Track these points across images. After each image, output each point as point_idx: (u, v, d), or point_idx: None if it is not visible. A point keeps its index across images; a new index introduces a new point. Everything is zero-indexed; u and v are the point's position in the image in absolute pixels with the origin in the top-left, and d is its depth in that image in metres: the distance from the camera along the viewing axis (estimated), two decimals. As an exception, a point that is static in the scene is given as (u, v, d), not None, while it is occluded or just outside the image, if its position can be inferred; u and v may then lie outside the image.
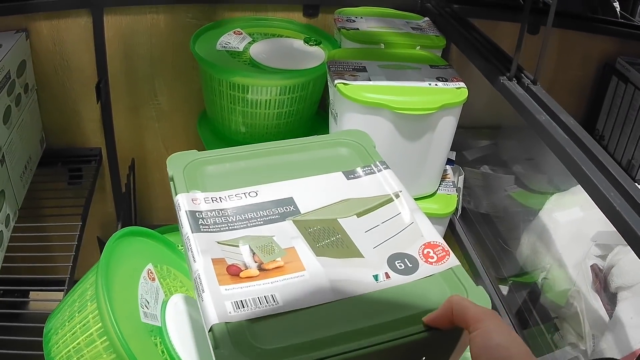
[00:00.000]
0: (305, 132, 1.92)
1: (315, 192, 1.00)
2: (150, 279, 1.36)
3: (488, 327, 0.70)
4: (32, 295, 2.23)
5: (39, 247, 1.90)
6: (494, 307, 1.71)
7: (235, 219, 0.93)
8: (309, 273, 0.84)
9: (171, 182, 1.01)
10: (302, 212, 0.95)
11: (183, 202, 0.96)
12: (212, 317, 0.76)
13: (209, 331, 0.75)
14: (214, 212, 0.94)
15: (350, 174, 1.06)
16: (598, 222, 1.53)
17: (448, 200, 1.74)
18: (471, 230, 1.96)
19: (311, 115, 1.97)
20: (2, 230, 1.72)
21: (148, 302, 1.31)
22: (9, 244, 1.81)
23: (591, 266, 1.57)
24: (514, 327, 1.65)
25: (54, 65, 2.15)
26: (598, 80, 2.41)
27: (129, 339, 1.19)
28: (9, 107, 1.83)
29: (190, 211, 0.93)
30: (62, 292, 1.72)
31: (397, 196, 1.00)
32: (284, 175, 1.04)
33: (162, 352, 1.29)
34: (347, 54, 1.70)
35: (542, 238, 1.72)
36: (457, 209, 1.87)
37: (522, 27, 1.51)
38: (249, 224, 0.92)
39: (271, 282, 0.82)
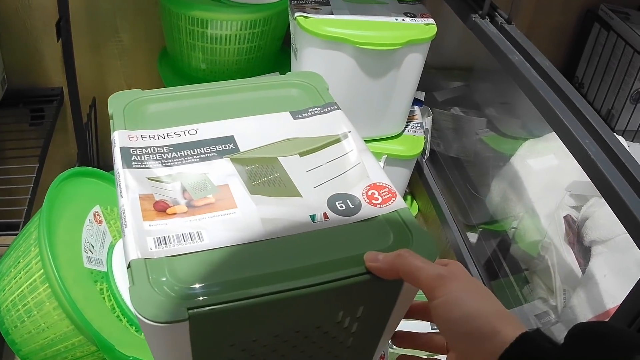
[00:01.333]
0: (268, 69, 1.87)
1: (258, 131, 0.95)
2: (97, 221, 1.31)
3: (448, 295, 0.65)
4: (-9, 236, 2.19)
5: (-2, 190, 1.85)
6: (460, 256, 1.67)
7: (171, 156, 0.88)
8: (240, 211, 0.79)
9: (111, 121, 0.96)
10: (241, 150, 0.90)
11: (118, 138, 0.90)
12: (132, 252, 0.72)
13: (127, 267, 0.71)
14: (149, 149, 0.89)
15: (297, 114, 0.99)
16: (573, 171, 1.47)
17: (414, 142, 1.68)
18: (440, 174, 1.91)
19: (274, 52, 1.91)
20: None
21: (93, 246, 1.25)
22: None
23: (564, 217, 1.52)
24: (481, 278, 1.60)
25: (16, 6, 2.09)
26: (579, 27, 2.37)
27: (70, 285, 1.14)
28: (-34, 47, 1.75)
29: (124, 147, 0.88)
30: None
31: (346, 137, 0.94)
32: (227, 114, 0.98)
33: (109, 298, 1.23)
34: None
35: (513, 185, 1.67)
36: (424, 150, 1.82)
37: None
38: (184, 162, 0.87)
39: (198, 219, 0.77)
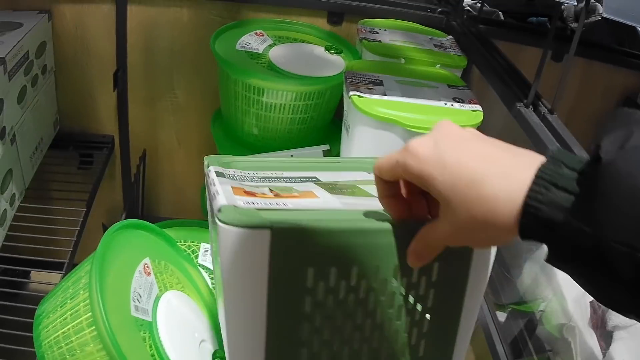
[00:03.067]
0: (318, 139, 1.91)
1: (339, 176, 1.02)
2: (145, 272, 1.36)
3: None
4: (33, 276, 2.23)
5: (42, 229, 1.89)
6: (488, 333, 1.70)
7: (260, 180, 0.95)
8: (322, 199, 0.87)
9: (206, 169, 1.03)
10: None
11: (214, 167, 0.97)
12: (222, 202, 0.77)
13: (218, 211, 0.75)
14: (241, 173, 0.97)
15: None
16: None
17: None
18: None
19: (325, 123, 1.96)
20: (6, 209, 1.73)
21: (140, 296, 1.31)
22: (13, 222, 1.82)
23: (590, 302, 1.55)
24: (506, 356, 1.63)
25: (74, 49, 2.15)
26: (618, 113, 2.39)
27: (116, 330, 1.19)
28: (24, 87, 1.83)
29: (218, 171, 0.95)
30: (60, 276, 1.72)
31: None
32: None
33: (150, 347, 1.28)
34: (366, 66, 1.69)
35: (544, 269, 1.70)
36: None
37: (544, 54, 1.49)
38: (271, 182, 0.95)
39: (284, 200, 0.84)
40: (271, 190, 0.88)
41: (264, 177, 0.97)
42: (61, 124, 2.26)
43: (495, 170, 0.62)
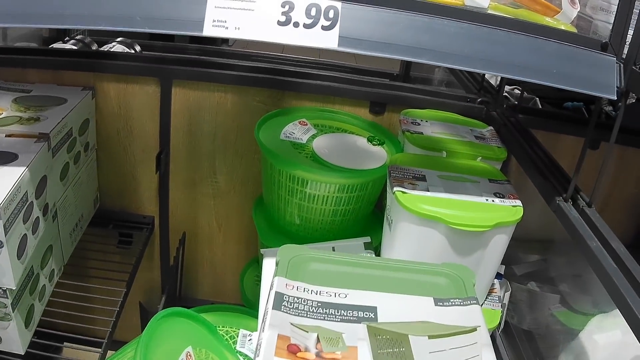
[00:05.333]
0: (360, 230, 1.92)
1: (400, 308, 1.06)
2: (188, 362, 1.38)
3: None
4: (66, 352, 2.24)
5: (80, 306, 1.91)
6: None
7: (316, 310, 1.00)
8: None
9: (275, 267, 1.06)
10: (379, 320, 0.99)
11: (277, 284, 1.03)
12: None
13: None
14: (300, 299, 1.01)
15: (439, 302, 1.11)
16: (636, 346, 1.52)
17: (492, 316, 1.73)
18: (511, 345, 1.95)
19: (367, 214, 1.96)
20: (45, 284, 1.74)
21: (183, 384, 1.32)
22: (51, 298, 1.83)
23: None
24: None
25: (117, 128, 2.19)
26: (654, 199, 2.40)
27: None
28: (67, 164, 1.86)
29: (279, 292, 1.01)
30: (98, 355, 1.73)
31: (475, 330, 1.02)
32: (378, 287, 1.10)
33: None
34: (409, 160, 1.71)
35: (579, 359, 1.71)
36: (500, 324, 1.86)
37: (583, 149, 1.51)
38: (326, 318, 0.99)
39: None
40: (318, 341, 0.91)
41: (322, 304, 0.99)
42: (101, 202, 2.29)
43: None
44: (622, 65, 1.33)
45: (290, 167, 1.77)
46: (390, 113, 2.19)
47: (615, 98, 1.31)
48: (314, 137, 1.97)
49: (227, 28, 1.15)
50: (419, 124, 1.98)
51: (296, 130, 1.97)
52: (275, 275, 1.06)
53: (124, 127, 2.18)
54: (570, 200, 1.56)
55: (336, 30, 1.17)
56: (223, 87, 2.14)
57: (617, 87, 1.31)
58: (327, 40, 1.16)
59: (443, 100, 2.17)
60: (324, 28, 1.16)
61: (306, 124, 2.01)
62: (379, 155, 1.94)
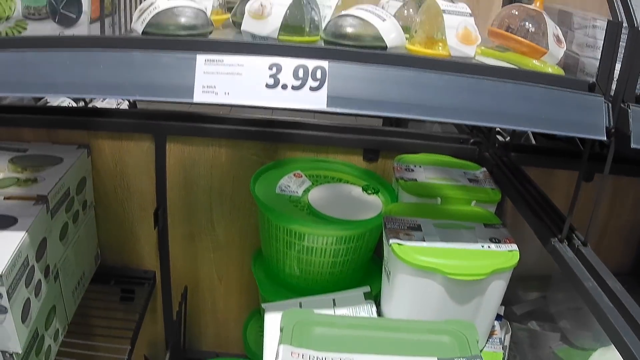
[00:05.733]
0: (360, 278, 1.93)
1: None
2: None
3: None
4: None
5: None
6: None
7: None
8: None
9: (280, 333, 1.07)
10: None
11: (283, 352, 1.06)
12: None
13: None
14: None
15: None
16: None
17: (494, 359, 1.73)
18: (515, 387, 1.94)
19: (366, 261, 1.97)
20: (50, 345, 1.74)
21: None
22: (57, 357, 1.83)
23: None
24: None
25: (114, 185, 2.20)
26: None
27: None
28: (66, 223, 1.87)
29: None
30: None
31: None
32: (383, 349, 1.11)
33: None
34: (403, 210, 1.71)
35: None
36: (501, 365, 1.86)
37: (577, 187, 1.51)
38: None
39: None
40: None
41: None
42: (102, 258, 2.28)
43: None
44: (609, 104, 1.33)
45: (287, 222, 1.78)
46: (384, 159, 2.20)
47: (605, 138, 1.31)
48: (309, 188, 1.98)
49: (216, 94, 1.16)
50: (413, 170, 1.98)
51: (291, 183, 1.97)
52: (280, 342, 1.06)
53: (121, 184, 2.19)
54: (565, 240, 1.56)
55: (324, 90, 1.18)
56: (217, 141, 2.15)
57: (605, 126, 1.32)
58: (316, 101, 1.18)
59: (435, 143, 2.17)
60: (312, 89, 1.18)
61: (301, 176, 2.02)
62: (374, 204, 1.95)
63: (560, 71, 1.46)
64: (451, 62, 1.28)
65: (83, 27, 1.40)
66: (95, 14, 1.46)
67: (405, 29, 1.53)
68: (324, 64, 1.18)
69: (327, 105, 1.18)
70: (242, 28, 1.37)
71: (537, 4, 1.58)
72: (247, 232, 2.29)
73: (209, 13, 1.44)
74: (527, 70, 1.37)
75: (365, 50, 1.25)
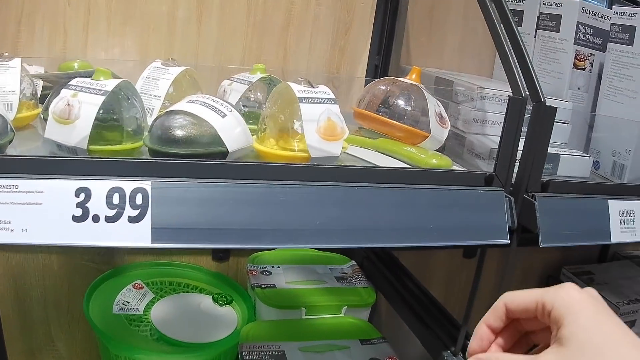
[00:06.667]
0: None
1: None
2: None
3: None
4: None
5: None
6: None
7: None
8: None
9: None
10: None
11: None
12: None
13: None
14: None
15: None
16: None
17: None
18: None
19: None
20: None
21: None
22: None
23: None
24: None
25: None
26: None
27: None
28: None
29: None
30: None
31: None
32: None
33: None
34: (262, 332, 1.52)
35: None
36: None
37: (474, 283, 1.29)
38: None
39: None
40: None
41: None
42: None
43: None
44: (511, 198, 1.14)
45: (129, 352, 1.53)
46: (236, 257, 2.01)
47: (508, 242, 1.11)
48: (152, 303, 1.73)
49: (12, 231, 0.89)
50: (270, 273, 1.78)
51: (131, 298, 1.73)
52: None
53: None
54: (460, 353, 1.34)
55: (147, 220, 0.92)
56: (46, 248, 1.92)
57: (508, 226, 1.13)
58: (136, 235, 0.92)
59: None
60: (131, 219, 0.92)
61: (142, 287, 1.78)
62: (228, 318, 1.70)
63: (446, 161, 1.22)
64: (311, 168, 1.01)
65: None
66: None
67: (253, 117, 1.32)
68: (146, 185, 0.92)
69: (152, 241, 0.92)
70: (45, 135, 1.08)
71: (413, 76, 1.35)
72: (91, 348, 2.07)
73: (14, 108, 1.18)
74: (407, 170, 1.14)
75: (199, 162, 0.97)
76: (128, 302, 1.70)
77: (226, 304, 1.74)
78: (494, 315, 0.75)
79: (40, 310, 2.00)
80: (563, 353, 0.65)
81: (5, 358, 1.95)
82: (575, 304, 0.66)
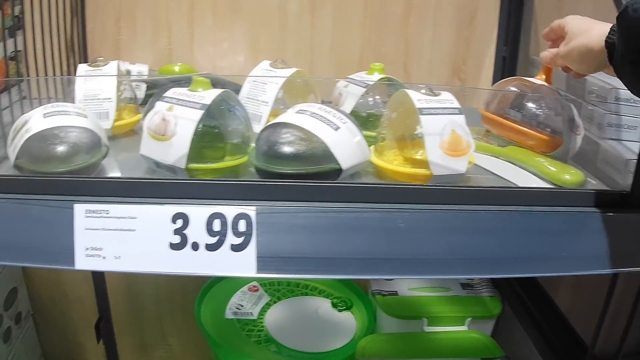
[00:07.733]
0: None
1: None
2: None
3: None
4: None
5: None
6: None
7: None
8: None
9: None
10: None
11: None
12: None
13: None
14: None
15: None
16: None
17: None
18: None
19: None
20: None
21: None
22: None
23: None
24: None
25: (51, 294, 2.00)
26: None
27: None
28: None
29: None
30: None
31: None
32: None
33: None
34: (380, 347, 1.47)
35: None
36: None
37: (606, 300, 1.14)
38: None
39: None
40: None
41: None
42: (51, 369, 2.10)
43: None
44: None
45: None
46: None
47: None
48: (267, 306, 1.69)
49: (104, 258, 0.84)
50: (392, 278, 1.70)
51: (245, 301, 1.69)
52: None
53: (58, 293, 2.00)
54: None
55: (252, 248, 0.84)
56: None
57: None
58: (240, 265, 0.84)
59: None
60: (234, 248, 0.84)
61: (257, 289, 1.74)
62: (345, 326, 1.65)
63: (579, 176, 1.09)
64: (434, 189, 0.91)
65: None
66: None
67: (372, 122, 1.23)
68: (249, 210, 0.84)
69: (257, 271, 0.85)
70: (140, 151, 1.01)
71: (543, 77, 1.24)
72: (204, 343, 1.95)
73: (111, 116, 1.14)
74: (539, 190, 1.00)
75: (308, 184, 0.88)
76: (242, 306, 1.67)
77: (345, 309, 1.70)
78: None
79: (152, 306, 2.02)
80: (567, 38, 1.11)
81: (115, 352, 2.02)
82: (572, 18, 1.12)
